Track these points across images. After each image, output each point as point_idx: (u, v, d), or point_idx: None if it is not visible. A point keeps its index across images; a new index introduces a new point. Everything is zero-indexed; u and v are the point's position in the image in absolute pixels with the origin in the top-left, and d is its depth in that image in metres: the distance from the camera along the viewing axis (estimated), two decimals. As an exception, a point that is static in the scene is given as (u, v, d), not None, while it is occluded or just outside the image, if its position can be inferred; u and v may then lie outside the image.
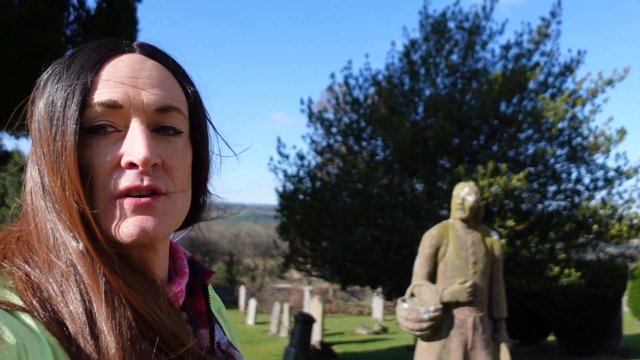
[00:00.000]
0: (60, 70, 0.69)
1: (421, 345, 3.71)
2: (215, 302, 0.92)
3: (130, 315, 0.62)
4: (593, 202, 10.90)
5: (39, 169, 0.68)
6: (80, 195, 0.63)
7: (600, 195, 11.53)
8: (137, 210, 0.65)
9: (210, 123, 0.79)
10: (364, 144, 11.90)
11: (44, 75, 0.72)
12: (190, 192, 0.74)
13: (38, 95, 0.70)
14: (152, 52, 0.73)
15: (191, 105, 0.74)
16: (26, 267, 0.64)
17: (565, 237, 10.62)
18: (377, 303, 23.50)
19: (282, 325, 18.42)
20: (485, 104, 10.68)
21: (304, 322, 12.25)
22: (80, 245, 0.63)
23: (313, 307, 16.47)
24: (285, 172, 11.97)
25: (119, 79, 0.67)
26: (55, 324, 0.59)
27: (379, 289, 12.74)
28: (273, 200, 12.34)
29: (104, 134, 0.66)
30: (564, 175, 11.56)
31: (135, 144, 0.65)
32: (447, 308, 3.61)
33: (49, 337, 0.58)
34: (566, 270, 10.04)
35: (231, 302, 30.61)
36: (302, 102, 12.30)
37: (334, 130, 12.08)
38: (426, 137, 10.60)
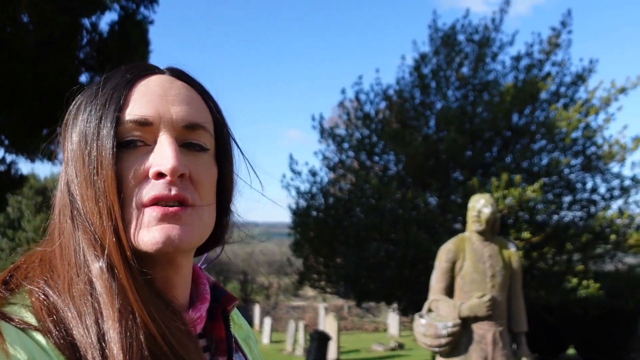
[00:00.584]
0: (96, 90, 0.72)
1: (440, 362, 3.65)
2: (242, 331, 0.91)
3: (142, 338, 0.61)
4: (610, 212, 10.74)
5: (69, 189, 0.70)
6: (115, 207, 0.65)
7: (616, 204, 11.37)
8: (164, 219, 0.66)
9: (236, 144, 0.82)
10: (376, 158, 11.88)
11: (78, 99, 0.75)
12: (215, 207, 0.75)
13: (71, 118, 0.73)
14: (180, 74, 0.77)
15: (217, 126, 0.77)
16: (45, 287, 0.65)
17: (582, 248, 10.46)
18: (392, 319, 23.27)
19: (298, 344, 18.27)
20: (497, 115, 10.63)
21: (319, 340, 12.17)
22: (102, 264, 0.64)
23: (328, 324, 16.35)
24: (297, 189, 11.97)
25: (149, 97, 0.71)
26: (67, 345, 0.60)
27: (395, 305, 12.62)
28: (286, 217, 12.35)
29: (134, 147, 0.69)
30: (579, 185, 11.43)
31: (163, 155, 0.67)
32: (466, 323, 3.55)
33: (59, 355, 0.59)
34: (584, 282, 9.87)
35: (246, 321, 30.49)
36: (313, 119, 12.34)
37: (345, 145, 12.08)
38: (438, 151, 10.56)
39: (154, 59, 7.65)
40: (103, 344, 0.60)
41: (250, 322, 28.75)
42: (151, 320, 0.63)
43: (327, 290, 12.42)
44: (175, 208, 0.67)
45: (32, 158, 7.67)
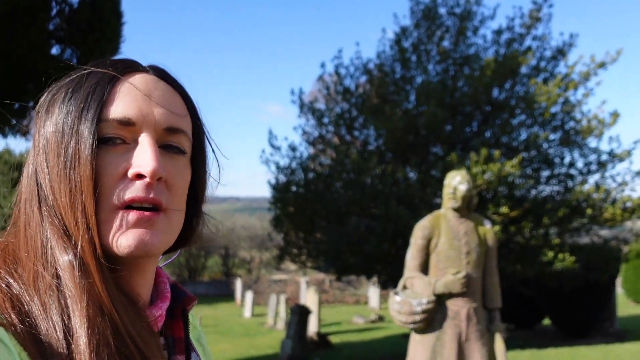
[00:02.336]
0: (77, 82, 0.71)
1: (415, 338, 3.66)
2: (196, 331, 0.91)
3: (109, 333, 0.61)
4: (586, 186, 10.88)
5: (37, 178, 0.69)
6: (90, 204, 0.64)
7: (593, 179, 11.52)
8: (138, 223, 0.66)
9: (212, 148, 0.82)
10: (356, 133, 11.82)
11: (56, 86, 0.73)
12: (184, 212, 0.75)
13: (46, 105, 0.72)
14: (164, 75, 0.76)
15: (195, 129, 0.77)
16: (8, 278, 0.64)
17: (559, 222, 10.59)
18: (373, 292, 23.53)
19: (279, 317, 18.41)
20: (477, 90, 10.61)
21: (300, 314, 12.23)
22: (70, 256, 0.63)
23: (309, 298, 16.46)
24: (277, 164, 11.88)
25: (133, 96, 0.70)
26: (31, 339, 0.58)
27: (375, 279, 12.73)
28: (268, 192, 12.29)
29: (112, 145, 0.68)
30: (557, 160, 11.53)
31: (144, 156, 0.67)
32: (441, 300, 3.55)
33: (21, 352, 0.57)
34: (560, 255, 10.03)
35: (228, 295, 30.63)
36: (292, 93, 12.20)
37: (325, 120, 11.99)
38: (418, 125, 10.54)
39: (127, 31, 7.44)
40: (69, 339, 0.59)
41: (232, 296, 28.88)
42: (118, 316, 0.63)
43: (307, 265, 12.46)
44: (150, 213, 0.67)
45: (3, 132, 7.47)
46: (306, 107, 12.11)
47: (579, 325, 13.11)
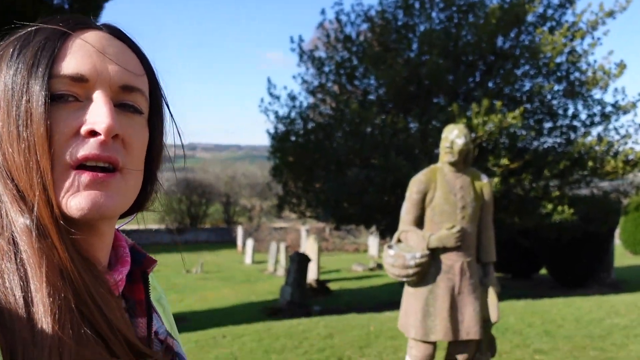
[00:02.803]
0: (25, 39, 0.67)
1: (408, 291, 3.67)
2: (156, 292, 0.88)
3: (70, 297, 0.59)
4: (589, 139, 10.77)
5: None
6: (45, 163, 0.61)
7: (596, 131, 11.39)
8: (92, 184, 0.63)
9: (169, 110, 0.79)
10: (357, 82, 11.62)
11: (2, 44, 0.69)
12: (142, 174, 0.73)
13: None
14: (118, 33, 0.73)
15: (152, 89, 0.75)
16: None
17: (559, 175, 10.54)
18: (372, 240, 23.77)
19: (279, 264, 18.70)
20: (481, 38, 10.35)
21: (299, 262, 12.40)
22: (27, 221, 0.61)
23: (309, 246, 16.66)
24: (276, 113, 11.75)
25: (86, 52, 0.67)
26: None
27: (373, 228, 12.81)
28: (268, 141, 12.18)
29: (64, 102, 0.65)
30: (560, 112, 11.37)
31: (98, 113, 0.64)
32: (435, 254, 3.54)
33: None
34: (559, 207, 10.04)
35: (229, 241, 31.02)
36: (292, 41, 11.94)
37: (325, 69, 11.76)
38: (420, 75, 10.34)
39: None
40: (30, 305, 0.57)
41: (234, 243, 29.26)
42: (79, 279, 0.61)
43: (306, 215, 12.51)
44: (104, 174, 0.64)
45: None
46: (306, 56, 11.87)
47: (576, 275, 13.28)
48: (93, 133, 0.64)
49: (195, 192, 34.33)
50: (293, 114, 11.59)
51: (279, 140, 11.52)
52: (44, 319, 0.56)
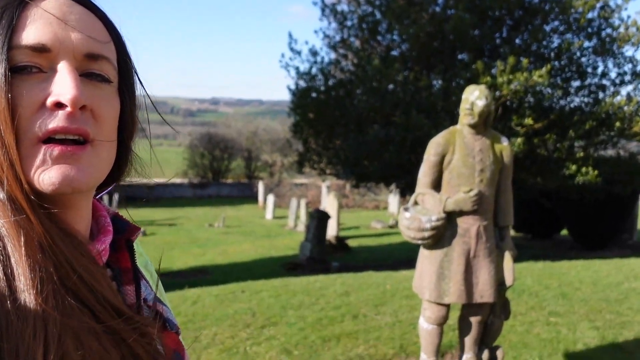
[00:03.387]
0: None
1: (423, 253, 3.67)
2: (142, 258, 0.89)
3: (52, 269, 0.59)
4: (618, 98, 10.47)
5: None
6: (10, 138, 0.60)
7: (626, 90, 11.07)
8: (61, 158, 0.62)
9: (138, 78, 0.77)
10: (380, 38, 11.37)
11: None
12: (116, 144, 0.71)
13: None
14: None
15: (120, 57, 0.72)
16: None
17: (585, 135, 10.31)
18: (392, 198, 23.78)
19: (300, 220, 18.88)
20: (509, -8, 9.98)
21: (318, 218, 12.51)
22: (1, 195, 0.60)
23: (329, 202, 16.74)
24: (297, 69, 11.60)
25: (46, 20, 0.64)
26: None
27: (393, 186, 12.78)
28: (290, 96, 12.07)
29: (27, 73, 0.63)
30: (589, 70, 11.02)
31: (63, 84, 0.62)
32: (451, 217, 3.52)
33: None
34: (583, 169, 9.86)
35: (250, 197, 31.33)
36: (314, -6, 11.66)
37: (348, 23, 11.51)
38: (445, 30, 10.06)
39: None
40: (11, 279, 0.57)
41: (255, 198, 29.54)
42: (59, 250, 0.61)
43: (326, 172, 12.51)
44: (74, 147, 0.63)
45: None
46: (328, 9, 11.61)
47: (597, 237, 13.17)
48: (59, 105, 0.62)
49: (217, 147, 34.53)
50: (314, 70, 11.45)
51: (300, 97, 11.42)
52: (25, 292, 0.56)
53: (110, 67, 0.69)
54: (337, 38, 11.78)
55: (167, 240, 16.15)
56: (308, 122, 11.50)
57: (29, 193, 0.61)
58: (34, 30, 0.63)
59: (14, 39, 0.62)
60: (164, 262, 12.13)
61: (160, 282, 0.91)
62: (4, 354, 0.54)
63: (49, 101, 0.62)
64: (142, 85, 0.78)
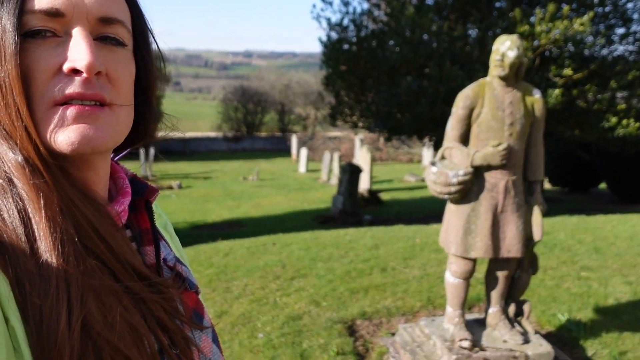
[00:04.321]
0: None
1: (450, 208, 3.65)
2: (162, 219, 0.90)
3: (72, 231, 0.60)
4: (665, 46, 9.95)
5: None
6: (22, 104, 0.61)
7: (674, 37, 10.48)
8: (79, 118, 0.63)
9: (154, 38, 0.77)
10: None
11: None
12: (133, 107, 0.72)
13: None
14: None
15: (134, 20, 0.72)
16: None
17: (627, 86, 9.89)
18: (426, 151, 23.53)
19: (332, 173, 18.93)
20: None
21: (351, 172, 12.52)
22: (19, 157, 0.61)
23: (362, 156, 16.70)
24: (329, 20, 11.37)
25: None
26: None
27: (426, 140, 12.63)
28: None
29: (42, 38, 0.63)
30: (635, 16, 10.46)
31: (78, 50, 0.62)
32: (478, 171, 3.46)
33: None
34: (624, 121, 9.51)
35: (284, 150, 31.49)
36: (346, -61, 11.28)
37: (381, -30, 11.15)
38: (482, -23, 9.65)
39: None
40: (32, 240, 0.58)
41: (288, 151, 29.67)
42: (79, 212, 0.62)
43: (359, 125, 12.42)
44: (92, 107, 0.63)
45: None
46: (361, -44, 11.25)
47: (636, 190, 12.83)
48: (75, 71, 0.62)
49: (251, 100, 34.58)
50: (346, 21, 11.20)
51: (331, 49, 11.23)
52: (47, 253, 0.57)
53: (125, 30, 0.69)
54: (370, -14, 11.44)
55: (202, 193, 16.46)
56: (340, 74, 11.35)
57: (46, 155, 0.62)
58: None
59: (27, 4, 0.62)
60: (199, 215, 12.44)
61: (179, 242, 0.93)
62: (29, 315, 0.55)
63: (65, 67, 0.62)
64: (159, 48, 0.79)
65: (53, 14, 0.63)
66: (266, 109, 35.69)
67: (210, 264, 5.68)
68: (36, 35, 0.63)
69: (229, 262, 5.73)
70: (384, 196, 14.96)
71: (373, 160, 16.90)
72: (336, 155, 19.06)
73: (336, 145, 26.60)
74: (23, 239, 0.58)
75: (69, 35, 0.64)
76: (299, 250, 6.14)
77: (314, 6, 11.46)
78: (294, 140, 28.77)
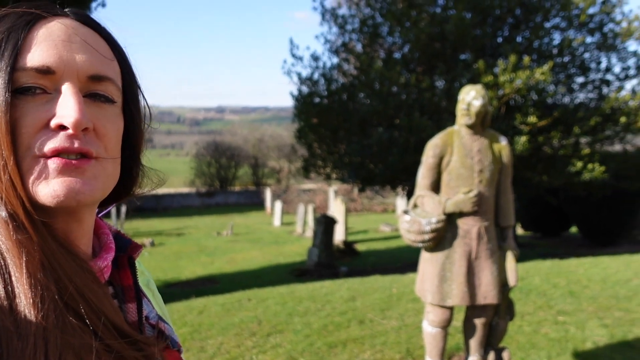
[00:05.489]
0: None
1: (424, 256, 3.65)
2: (144, 276, 0.89)
3: (53, 287, 0.59)
4: (622, 93, 10.38)
5: None
6: (10, 157, 0.61)
7: (630, 85, 11.00)
8: (65, 171, 0.63)
9: (143, 96, 0.78)
10: (381, 41, 11.36)
11: None
12: (120, 161, 0.72)
13: None
14: (85, 19, 0.71)
15: (124, 77, 0.73)
16: None
17: (590, 131, 10.23)
18: (400, 200, 23.71)
19: (307, 226, 18.86)
20: (509, -10, 9.95)
21: (326, 224, 12.48)
22: (3, 213, 0.61)
23: (336, 207, 16.73)
24: (299, 75, 11.61)
25: (52, 42, 0.65)
26: None
27: (399, 189, 12.75)
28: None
29: (32, 95, 0.64)
30: (592, 65, 10.96)
31: (66, 106, 0.63)
32: (451, 218, 3.49)
33: None
34: (589, 165, 9.78)
35: (258, 204, 31.37)
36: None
37: (348, 27, 11.52)
38: (446, 31, 10.04)
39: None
40: (12, 297, 0.57)
41: (262, 205, 29.57)
42: (60, 269, 0.61)
43: (332, 177, 12.50)
44: (78, 161, 0.63)
45: None
46: (329, 14, 11.63)
47: (606, 233, 13.06)
48: (62, 127, 0.62)
49: (224, 154, 34.65)
50: (316, 75, 11.45)
51: (303, 102, 11.43)
52: (26, 310, 0.56)
53: (114, 87, 0.70)
54: (339, 42, 11.79)
55: (175, 250, 16.18)
56: (312, 127, 11.50)
57: (30, 210, 0.61)
58: (39, 52, 0.64)
59: (19, 61, 0.63)
60: (172, 272, 12.18)
61: (162, 300, 0.91)
62: None
63: (53, 123, 0.62)
64: (147, 105, 0.79)
65: (44, 71, 0.63)
66: (239, 163, 35.76)
67: (184, 322, 5.52)
68: (26, 91, 0.63)
69: (202, 320, 5.57)
70: (360, 247, 14.91)
71: (347, 211, 16.94)
72: (310, 208, 19.05)
73: (310, 198, 26.64)
74: (2, 295, 0.57)
75: (58, 92, 0.64)
76: (275, 305, 6.02)
77: (285, 61, 11.71)
78: (268, 194, 28.73)
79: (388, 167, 10.37)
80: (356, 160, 10.71)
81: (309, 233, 17.94)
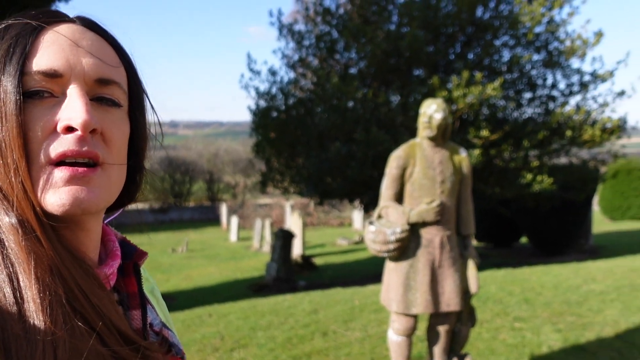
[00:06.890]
0: None
1: (389, 266, 3.72)
2: (148, 283, 0.90)
3: (61, 293, 0.60)
4: (567, 108, 10.87)
5: None
6: (21, 162, 0.62)
7: (574, 100, 11.51)
8: (72, 180, 0.63)
9: (149, 101, 0.79)
10: (337, 56, 11.53)
11: None
12: (126, 167, 0.73)
13: None
14: (92, 25, 0.72)
15: (130, 81, 0.75)
16: None
17: (538, 145, 10.66)
18: (357, 214, 23.91)
19: (265, 241, 18.76)
20: (461, 9, 10.31)
21: (283, 238, 12.45)
22: (13, 220, 0.61)
23: (294, 221, 16.72)
24: (257, 89, 11.64)
25: (59, 46, 0.66)
26: None
27: (357, 203, 12.88)
28: (250, 117, 12.08)
29: (40, 98, 0.65)
30: (539, 82, 11.43)
31: (74, 108, 0.64)
32: (414, 228, 3.58)
33: None
34: (539, 177, 10.17)
35: (213, 220, 30.99)
36: (271, 15, 11.78)
37: (305, 43, 11.65)
38: (400, 48, 10.29)
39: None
40: (20, 302, 0.57)
41: (218, 220, 29.23)
42: (68, 274, 0.62)
43: (290, 191, 12.52)
44: (84, 169, 0.64)
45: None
46: (285, 29, 11.73)
47: (555, 243, 13.54)
48: (70, 129, 0.63)
49: (178, 170, 34.14)
50: (274, 90, 11.50)
51: (260, 117, 11.45)
52: (35, 315, 0.57)
53: (121, 91, 0.71)
54: (296, 57, 11.89)
55: (129, 267, 15.76)
56: (269, 141, 11.52)
57: (40, 215, 0.62)
58: (47, 56, 0.65)
59: (27, 65, 0.64)
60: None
61: (166, 307, 0.92)
62: None
63: (60, 125, 0.63)
64: (153, 109, 0.80)
65: (51, 74, 0.64)
66: (194, 179, 35.30)
67: (144, 340, 5.40)
68: (34, 95, 0.64)
69: (163, 337, 5.47)
70: (318, 261, 14.94)
71: (304, 225, 16.96)
72: (267, 222, 18.97)
73: (267, 212, 26.52)
74: (11, 301, 0.57)
75: (65, 95, 0.65)
76: (237, 320, 5.98)
77: (242, 75, 11.72)
78: (223, 209, 28.43)
79: (346, 181, 10.48)
80: (314, 174, 10.78)
81: (266, 248, 17.85)
